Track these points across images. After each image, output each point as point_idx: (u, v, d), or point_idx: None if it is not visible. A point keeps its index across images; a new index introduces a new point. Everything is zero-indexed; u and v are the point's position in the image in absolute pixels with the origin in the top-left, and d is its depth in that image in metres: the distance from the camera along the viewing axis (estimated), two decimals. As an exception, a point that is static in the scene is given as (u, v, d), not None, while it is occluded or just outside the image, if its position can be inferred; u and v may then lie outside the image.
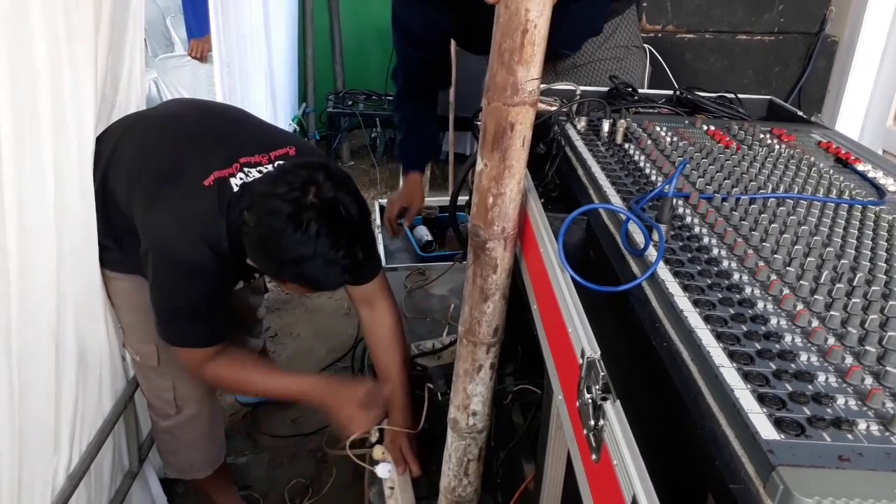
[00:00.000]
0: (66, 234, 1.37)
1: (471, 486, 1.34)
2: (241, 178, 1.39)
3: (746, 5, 2.21)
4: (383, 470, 1.51)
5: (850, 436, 0.57)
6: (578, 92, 1.47)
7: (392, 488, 1.47)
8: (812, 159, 1.27)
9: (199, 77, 3.51)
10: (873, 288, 0.80)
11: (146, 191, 1.42)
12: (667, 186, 0.93)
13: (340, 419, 1.51)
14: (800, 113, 1.65)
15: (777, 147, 1.32)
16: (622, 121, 1.30)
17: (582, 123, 1.37)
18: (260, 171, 1.42)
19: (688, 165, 1.17)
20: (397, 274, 2.15)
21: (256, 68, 3.32)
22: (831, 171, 1.21)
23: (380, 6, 4.72)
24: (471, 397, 1.23)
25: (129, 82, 1.64)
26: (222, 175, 1.39)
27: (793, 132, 1.42)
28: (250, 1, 3.18)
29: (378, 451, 1.53)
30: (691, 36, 2.24)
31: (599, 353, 0.71)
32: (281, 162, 1.45)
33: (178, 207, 1.38)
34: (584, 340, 0.73)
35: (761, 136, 1.38)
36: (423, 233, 2.66)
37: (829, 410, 0.59)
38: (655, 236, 0.87)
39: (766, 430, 0.56)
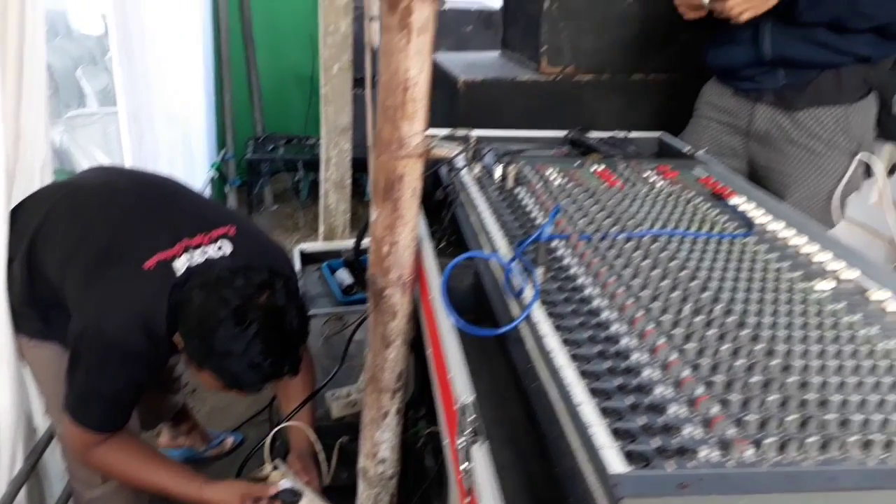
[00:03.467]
0: None
1: (385, 533, 1.33)
2: (185, 261, 1.39)
3: (640, 47, 2.34)
4: (286, 484, 1.49)
5: (691, 463, 0.61)
6: (473, 138, 1.52)
7: None
8: (690, 195, 1.35)
9: (111, 134, 3.42)
10: (730, 318, 0.86)
11: (83, 268, 1.38)
12: (544, 231, 0.97)
13: None
14: (685, 149, 1.75)
15: (659, 184, 1.40)
16: (512, 165, 1.36)
17: (477, 169, 1.42)
18: (203, 253, 1.42)
19: (573, 206, 1.23)
20: (315, 321, 2.14)
21: (168, 117, 3.28)
22: (707, 206, 1.29)
23: (296, 51, 4.75)
24: (378, 444, 1.24)
25: (33, 141, 1.58)
26: (165, 258, 1.38)
27: (676, 168, 1.51)
28: (156, 51, 3.14)
29: (277, 476, 1.52)
30: (589, 77, 2.36)
31: (474, 396, 0.74)
32: (225, 241, 1.45)
33: (118, 289, 1.36)
34: (458, 384, 0.76)
35: (646, 173, 1.46)
36: (345, 276, 2.66)
37: (674, 441, 0.64)
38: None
39: (615, 463, 0.60)
